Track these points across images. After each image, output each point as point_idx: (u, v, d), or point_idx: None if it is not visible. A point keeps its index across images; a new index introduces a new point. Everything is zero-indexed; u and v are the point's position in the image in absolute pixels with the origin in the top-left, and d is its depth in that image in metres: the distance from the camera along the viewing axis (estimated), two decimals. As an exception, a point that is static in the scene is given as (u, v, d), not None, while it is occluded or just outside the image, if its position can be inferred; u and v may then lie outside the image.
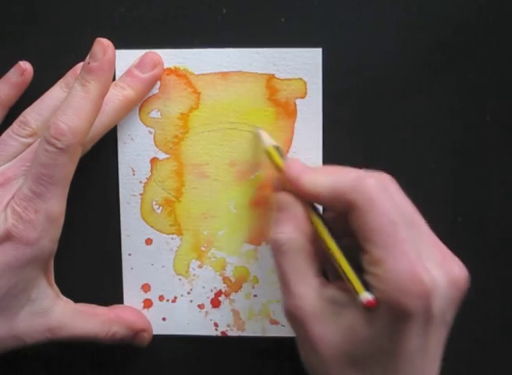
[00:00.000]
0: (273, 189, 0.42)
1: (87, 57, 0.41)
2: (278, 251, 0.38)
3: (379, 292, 0.35)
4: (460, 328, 0.45)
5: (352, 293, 0.36)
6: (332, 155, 0.45)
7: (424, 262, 0.35)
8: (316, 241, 0.39)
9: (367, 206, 0.36)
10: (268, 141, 0.43)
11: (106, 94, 0.41)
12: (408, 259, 0.35)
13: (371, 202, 0.36)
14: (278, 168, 0.41)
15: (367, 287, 0.36)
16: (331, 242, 0.38)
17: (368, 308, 0.35)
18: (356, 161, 0.45)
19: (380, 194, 0.36)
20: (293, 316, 0.38)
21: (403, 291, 0.34)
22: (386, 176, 0.38)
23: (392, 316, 0.35)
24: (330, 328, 0.37)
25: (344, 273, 0.37)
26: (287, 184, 0.40)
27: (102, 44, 0.41)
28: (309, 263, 0.38)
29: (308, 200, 0.39)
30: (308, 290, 0.37)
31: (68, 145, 0.39)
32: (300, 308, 0.37)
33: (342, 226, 0.38)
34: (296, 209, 0.39)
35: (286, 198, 0.40)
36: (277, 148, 0.42)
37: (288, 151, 0.45)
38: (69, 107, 0.39)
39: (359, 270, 0.37)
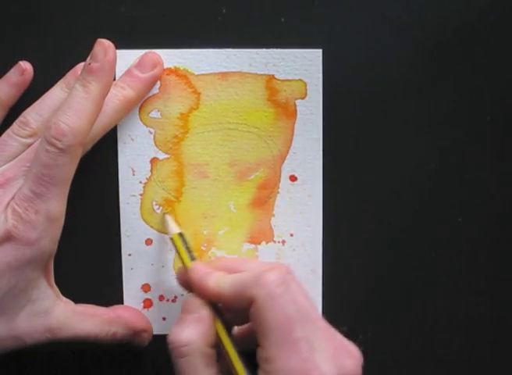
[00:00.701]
0: (178, 280, 0.43)
1: (88, 58, 0.41)
2: (177, 352, 0.38)
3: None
4: (460, 328, 0.45)
5: None
6: (332, 155, 0.45)
7: (316, 359, 0.36)
8: (218, 345, 0.40)
9: (265, 302, 0.37)
10: (173, 228, 0.44)
11: (107, 94, 0.41)
12: (299, 358, 0.35)
13: (269, 298, 0.37)
14: (183, 263, 0.42)
15: None
16: (227, 343, 0.39)
17: None
18: (356, 161, 0.45)
19: (278, 289, 0.37)
20: None
21: None
22: (285, 269, 0.38)
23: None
24: None
25: (232, 359, 0.38)
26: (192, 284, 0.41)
27: (103, 45, 0.41)
28: (208, 367, 0.38)
29: (212, 300, 0.40)
30: None
31: (68, 146, 0.39)
32: None
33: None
34: (202, 313, 0.39)
35: (192, 300, 0.40)
36: (181, 236, 0.43)
37: (288, 151, 0.45)
38: (69, 107, 0.39)
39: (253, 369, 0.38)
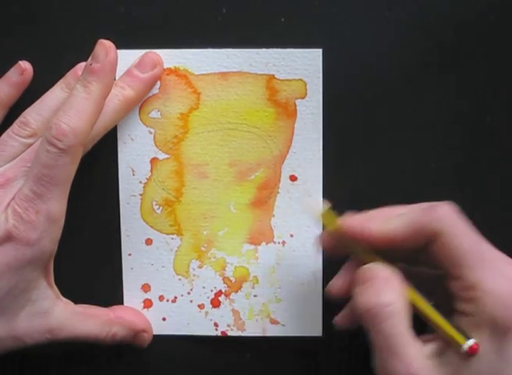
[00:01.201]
0: (324, 245, 0.42)
1: (89, 58, 0.41)
2: (380, 315, 0.36)
3: (478, 315, 0.35)
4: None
5: (448, 341, 0.37)
6: (332, 155, 0.45)
7: None
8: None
9: (453, 232, 0.36)
10: (321, 205, 0.42)
11: (108, 95, 0.41)
12: (504, 276, 0.35)
13: (456, 228, 0.37)
14: (334, 228, 0.40)
15: (460, 330, 0.36)
16: (421, 302, 0.38)
17: (472, 353, 0.35)
18: (356, 161, 0.45)
19: (459, 218, 0.37)
20: None
21: (505, 306, 0.35)
22: (447, 203, 0.38)
23: (498, 334, 0.35)
24: None
25: (441, 328, 0.37)
26: (349, 241, 0.40)
27: (104, 46, 0.41)
28: (410, 329, 0.37)
29: (379, 247, 0.39)
30: (416, 351, 0.36)
31: (69, 146, 0.39)
32: (416, 371, 0.35)
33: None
34: (389, 273, 0.38)
35: (371, 265, 0.39)
36: (329, 210, 0.41)
37: (288, 151, 0.45)
38: (70, 108, 0.39)
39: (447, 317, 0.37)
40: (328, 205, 0.42)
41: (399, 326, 0.36)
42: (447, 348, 0.37)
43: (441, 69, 0.45)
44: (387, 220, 0.39)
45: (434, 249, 0.37)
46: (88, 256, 0.46)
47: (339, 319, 0.43)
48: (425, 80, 0.45)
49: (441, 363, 0.36)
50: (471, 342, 0.35)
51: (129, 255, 0.46)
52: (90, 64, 0.40)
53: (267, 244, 0.46)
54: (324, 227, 0.42)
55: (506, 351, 0.35)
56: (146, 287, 0.46)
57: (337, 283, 0.42)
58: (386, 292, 0.37)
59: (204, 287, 0.46)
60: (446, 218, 0.37)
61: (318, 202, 0.44)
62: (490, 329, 0.35)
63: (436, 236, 0.37)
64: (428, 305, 0.38)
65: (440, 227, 0.37)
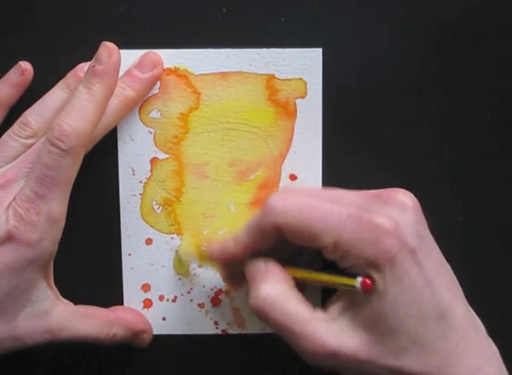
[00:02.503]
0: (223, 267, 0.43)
1: (93, 60, 0.41)
2: (264, 309, 0.38)
3: (358, 266, 0.36)
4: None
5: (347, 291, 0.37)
6: (332, 155, 0.45)
7: (370, 211, 0.36)
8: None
9: (286, 219, 0.37)
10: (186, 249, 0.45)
11: (111, 97, 0.41)
12: (354, 219, 0.36)
13: (285, 214, 0.37)
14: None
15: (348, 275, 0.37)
16: (305, 274, 0.39)
17: (367, 288, 0.36)
18: (356, 161, 0.45)
19: (288, 201, 0.37)
20: (326, 356, 0.37)
21: (373, 244, 0.35)
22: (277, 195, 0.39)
23: (380, 269, 0.35)
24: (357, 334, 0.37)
25: (331, 282, 0.38)
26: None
27: (108, 48, 0.41)
28: (301, 303, 0.38)
29: (244, 257, 0.40)
30: (316, 323, 0.37)
31: (71, 147, 0.39)
32: (323, 341, 0.36)
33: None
34: (267, 265, 0.39)
35: (248, 265, 0.40)
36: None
37: (288, 151, 0.45)
38: (73, 109, 0.39)
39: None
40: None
41: (286, 310, 0.37)
42: (353, 299, 0.37)
43: (441, 69, 0.45)
44: (236, 236, 0.40)
45: (286, 237, 0.38)
46: (88, 256, 0.46)
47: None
48: (425, 80, 0.45)
49: (352, 316, 0.37)
50: (359, 279, 0.36)
51: (129, 255, 0.46)
52: (94, 66, 0.41)
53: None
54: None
55: (396, 279, 0.35)
56: (146, 287, 0.46)
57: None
58: (262, 284, 0.38)
59: (204, 286, 0.46)
60: (275, 208, 0.37)
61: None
62: (374, 268, 0.35)
63: (277, 228, 0.37)
64: (314, 272, 0.39)
65: (275, 219, 0.37)
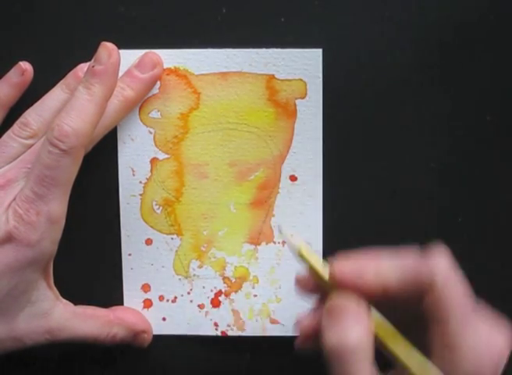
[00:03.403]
0: (302, 289, 0.39)
1: (92, 60, 0.41)
2: (344, 356, 0.34)
3: (451, 364, 0.34)
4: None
5: None
6: (332, 155, 0.45)
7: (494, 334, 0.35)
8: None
9: (447, 285, 0.35)
10: (297, 241, 0.38)
11: (110, 97, 0.42)
12: (483, 335, 0.35)
13: (449, 281, 0.35)
14: (318, 272, 0.37)
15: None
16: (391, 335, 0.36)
17: None
18: (356, 161, 0.45)
19: (453, 272, 0.35)
20: None
21: (477, 366, 0.34)
22: (441, 251, 0.36)
23: None
24: None
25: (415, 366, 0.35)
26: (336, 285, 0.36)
27: (107, 48, 0.41)
28: (372, 366, 0.34)
29: (373, 293, 0.36)
30: None
31: (71, 147, 0.39)
32: None
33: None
34: (361, 309, 0.36)
35: (344, 298, 0.36)
36: (307, 247, 0.38)
37: (288, 151, 0.45)
38: (73, 109, 0.39)
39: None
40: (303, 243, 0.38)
41: (363, 369, 0.34)
42: None
43: (441, 69, 0.45)
44: (380, 271, 0.36)
45: (426, 301, 0.35)
46: (88, 256, 0.46)
47: (300, 343, 0.39)
48: (425, 80, 0.45)
49: None
50: None
51: (129, 255, 0.46)
52: (93, 66, 0.41)
53: (267, 244, 0.46)
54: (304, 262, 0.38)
55: None
56: (146, 287, 0.46)
57: (306, 321, 0.39)
58: (353, 331, 0.34)
59: (204, 287, 0.46)
60: (442, 269, 0.35)
61: (297, 237, 0.39)
62: None
63: (428, 290, 0.35)
64: (399, 337, 0.36)
65: (435, 280, 0.35)
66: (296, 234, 0.38)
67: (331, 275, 0.36)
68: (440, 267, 0.35)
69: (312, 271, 0.37)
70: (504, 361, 0.35)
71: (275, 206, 0.46)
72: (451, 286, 0.35)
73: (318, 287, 0.38)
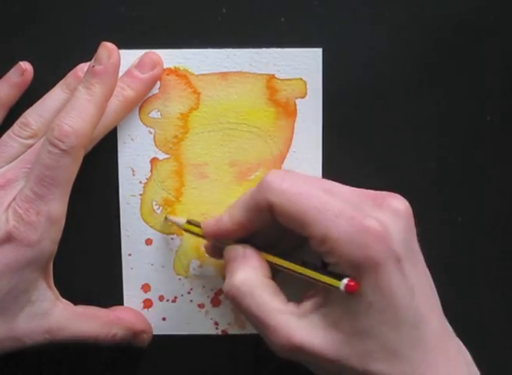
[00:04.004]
0: (209, 253, 0.44)
1: (92, 60, 0.41)
2: (238, 294, 0.38)
3: (342, 263, 0.36)
4: (461, 327, 0.45)
5: (328, 290, 0.37)
6: (332, 155, 0.45)
7: (363, 212, 0.36)
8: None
9: (281, 199, 0.37)
10: (180, 220, 0.44)
11: (110, 97, 0.42)
12: (347, 219, 0.35)
13: (281, 194, 0.37)
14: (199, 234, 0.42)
15: (333, 275, 0.36)
16: (285, 262, 0.39)
17: (352, 292, 0.35)
18: (356, 161, 0.45)
19: (286, 182, 0.37)
20: (293, 350, 0.37)
21: (360, 247, 0.35)
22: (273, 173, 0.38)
23: (365, 273, 0.35)
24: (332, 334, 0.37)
25: (313, 277, 0.37)
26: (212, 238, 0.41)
27: (107, 48, 0.41)
28: (276, 295, 0.38)
29: (238, 234, 0.40)
30: (287, 316, 0.37)
31: (71, 147, 0.39)
32: (291, 336, 0.37)
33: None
34: (245, 251, 0.39)
35: (229, 248, 0.40)
36: (189, 222, 0.43)
37: (288, 151, 0.45)
38: (73, 109, 0.40)
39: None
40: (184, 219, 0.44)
41: (259, 301, 0.37)
42: (328, 297, 0.37)
43: (441, 69, 0.45)
44: (231, 215, 0.40)
45: (278, 220, 0.37)
46: (88, 256, 0.46)
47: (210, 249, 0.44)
48: (425, 80, 0.45)
49: (324, 314, 0.37)
50: (345, 281, 0.35)
51: (129, 255, 0.46)
52: (93, 66, 0.41)
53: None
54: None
55: (377, 284, 0.35)
56: (146, 287, 0.46)
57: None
58: (238, 272, 0.39)
59: (204, 287, 0.46)
60: (271, 187, 0.37)
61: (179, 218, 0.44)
62: (357, 271, 0.35)
63: (273, 207, 0.37)
64: (296, 264, 0.38)
65: (271, 198, 0.37)
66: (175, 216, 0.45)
67: (203, 234, 0.41)
68: (271, 184, 0.37)
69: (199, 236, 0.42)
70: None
71: (275, 206, 0.45)
72: (290, 197, 0.37)
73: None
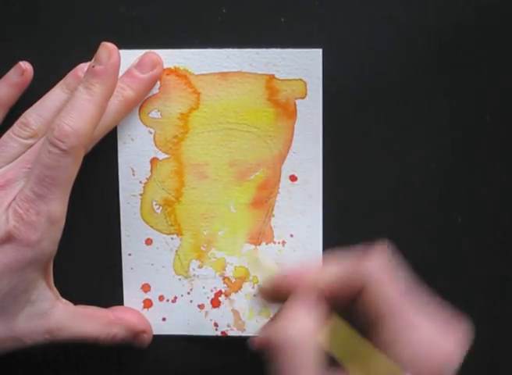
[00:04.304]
0: (263, 296, 0.40)
1: (92, 60, 0.41)
2: (287, 347, 0.34)
3: (401, 361, 0.34)
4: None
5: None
6: (332, 155, 0.45)
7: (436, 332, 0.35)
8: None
9: (378, 285, 0.35)
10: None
11: (110, 97, 0.42)
12: (425, 330, 0.34)
13: (381, 281, 0.35)
14: (271, 273, 0.39)
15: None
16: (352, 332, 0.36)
17: None
18: (356, 161, 0.45)
19: (386, 272, 0.36)
20: None
21: (427, 359, 0.34)
22: (381, 250, 0.37)
23: None
24: None
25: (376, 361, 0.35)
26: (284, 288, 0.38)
27: (107, 48, 0.41)
28: (319, 366, 0.34)
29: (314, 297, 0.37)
30: None
31: (71, 147, 0.39)
32: None
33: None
34: (310, 298, 0.36)
35: (295, 300, 0.37)
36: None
37: (288, 151, 0.45)
38: (73, 109, 0.39)
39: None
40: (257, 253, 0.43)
41: (303, 360, 0.34)
42: None
43: (441, 69, 0.45)
44: (320, 272, 0.37)
45: (361, 300, 0.36)
46: (88, 256, 0.46)
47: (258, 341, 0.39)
48: (425, 80, 0.45)
49: None
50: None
51: (129, 255, 0.46)
52: (93, 66, 0.41)
53: (267, 244, 0.46)
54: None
55: None
56: (146, 287, 0.46)
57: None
58: (296, 323, 0.35)
59: (204, 287, 0.46)
60: (374, 270, 0.35)
61: (257, 252, 0.44)
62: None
63: (364, 288, 0.35)
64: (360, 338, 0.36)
65: (368, 279, 0.35)
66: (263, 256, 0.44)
67: (277, 277, 0.38)
68: (373, 267, 0.35)
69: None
70: (451, 364, 0.34)
71: (275, 206, 0.46)
72: (383, 285, 0.35)
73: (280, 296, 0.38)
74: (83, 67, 0.43)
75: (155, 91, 0.44)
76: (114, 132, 0.44)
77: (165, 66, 0.44)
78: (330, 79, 0.44)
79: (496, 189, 0.46)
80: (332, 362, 0.35)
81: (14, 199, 0.40)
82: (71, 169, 0.40)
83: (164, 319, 0.46)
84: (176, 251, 0.46)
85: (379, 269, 0.36)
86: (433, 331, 0.34)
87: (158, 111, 0.45)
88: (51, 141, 0.39)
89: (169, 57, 0.44)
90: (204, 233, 0.46)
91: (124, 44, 0.43)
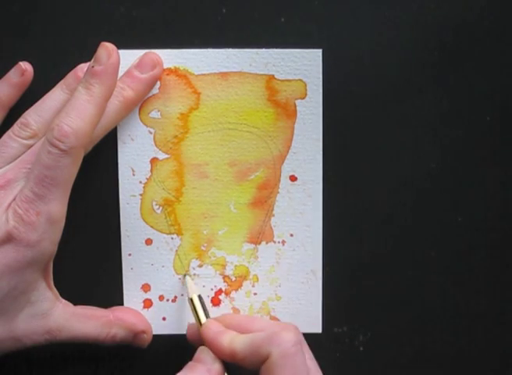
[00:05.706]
0: (188, 336, 0.44)
1: (92, 60, 0.41)
2: None
3: None
4: (460, 328, 0.45)
5: None
6: (332, 155, 0.45)
7: None
8: None
9: (280, 360, 0.38)
10: (192, 289, 0.45)
11: (110, 97, 0.42)
12: None
13: (283, 357, 0.38)
14: (197, 321, 0.43)
15: None
16: None
17: None
18: (356, 161, 0.45)
19: (293, 349, 0.38)
20: None
21: None
22: (298, 330, 0.40)
23: None
24: None
25: None
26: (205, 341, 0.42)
27: (107, 48, 0.41)
28: None
29: (224, 358, 0.41)
30: None
31: (71, 147, 0.39)
32: None
33: None
34: (214, 366, 0.40)
35: (206, 352, 0.41)
36: (200, 298, 0.44)
37: (288, 151, 0.45)
38: (72, 109, 0.39)
39: None
40: (197, 293, 0.44)
41: None
42: None
43: (441, 69, 0.45)
44: (237, 338, 0.41)
45: (262, 370, 0.39)
46: (88, 256, 0.46)
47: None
48: (425, 80, 0.45)
49: None
50: None
51: (129, 255, 0.46)
52: (93, 66, 0.41)
53: (267, 243, 0.46)
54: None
55: None
56: (146, 287, 0.46)
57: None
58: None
59: (204, 286, 0.46)
60: (280, 345, 0.38)
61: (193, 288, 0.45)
62: None
63: (265, 360, 0.38)
64: None
65: (271, 352, 0.38)
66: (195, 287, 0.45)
67: (200, 330, 0.42)
68: (282, 342, 0.38)
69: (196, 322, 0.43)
70: None
71: (275, 206, 0.46)
72: (285, 362, 0.38)
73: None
74: (82, 67, 0.43)
75: (155, 91, 0.44)
76: (114, 132, 0.44)
77: (165, 66, 0.44)
78: (330, 79, 0.44)
79: (496, 189, 0.46)
80: None
81: (14, 199, 0.40)
82: (71, 169, 0.40)
83: (164, 318, 0.46)
84: (176, 250, 0.46)
85: (285, 348, 0.38)
86: None
87: (158, 111, 0.45)
88: (51, 142, 0.39)
89: (169, 57, 0.44)
90: (205, 232, 0.46)
91: (124, 44, 0.43)
